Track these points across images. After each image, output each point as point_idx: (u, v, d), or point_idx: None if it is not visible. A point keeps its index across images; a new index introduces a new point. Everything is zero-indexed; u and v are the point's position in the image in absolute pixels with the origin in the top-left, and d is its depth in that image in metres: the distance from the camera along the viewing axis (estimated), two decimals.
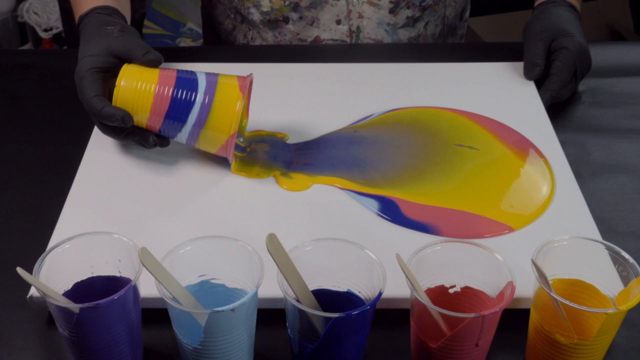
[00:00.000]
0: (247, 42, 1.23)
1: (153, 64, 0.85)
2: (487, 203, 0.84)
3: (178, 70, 0.85)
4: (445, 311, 0.62)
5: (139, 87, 0.83)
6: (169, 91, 0.83)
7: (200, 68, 0.91)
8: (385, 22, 1.18)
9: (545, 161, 0.91)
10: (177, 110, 0.83)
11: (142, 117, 0.84)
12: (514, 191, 0.86)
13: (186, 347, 0.65)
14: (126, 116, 0.82)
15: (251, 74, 0.87)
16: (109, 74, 0.86)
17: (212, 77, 0.85)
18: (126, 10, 1.00)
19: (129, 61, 0.86)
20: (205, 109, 0.83)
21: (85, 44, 0.89)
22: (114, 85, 0.84)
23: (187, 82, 0.83)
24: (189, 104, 0.83)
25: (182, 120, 0.83)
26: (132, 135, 0.85)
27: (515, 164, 0.90)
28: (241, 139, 0.92)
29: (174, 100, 0.83)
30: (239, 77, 0.86)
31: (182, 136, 0.85)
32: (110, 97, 0.84)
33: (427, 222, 0.82)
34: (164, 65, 0.87)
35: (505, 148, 0.93)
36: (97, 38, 0.88)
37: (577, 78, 1.03)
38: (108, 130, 0.86)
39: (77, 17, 0.95)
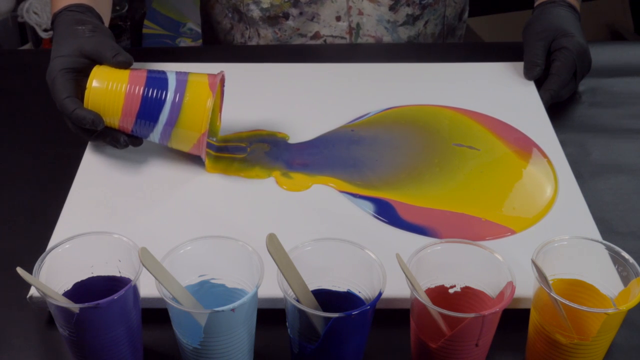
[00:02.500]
0: (245, 41, 1.23)
1: (123, 65, 0.85)
2: (488, 205, 0.84)
3: (148, 70, 0.85)
4: (445, 311, 0.62)
5: (109, 88, 0.83)
6: (139, 91, 0.83)
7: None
8: (385, 20, 1.18)
9: (549, 161, 0.90)
10: (148, 110, 0.83)
11: (114, 118, 0.84)
12: (516, 193, 0.86)
13: (186, 347, 0.65)
14: (97, 119, 0.82)
15: (222, 71, 0.87)
16: (81, 74, 0.86)
17: (182, 76, 0.85)
18: (103, 8, 0.99)
19: (100, 62, 0.86)
20: (176, 108, 0.83)
21: (57, 44, 0.88)
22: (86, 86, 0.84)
23: (157, 81, 0.84)
24: (160, 103, 0.83)
25: (154, 119, 0.83)
26: (103, 136, 0.85)
27: (517, 165, 0.90)
28: (214, 139, 0.92)
29: (145, 99, 0.83)
30: (209, 75, 0.86)
31: (155, 136, 0.85)
32: (83, 97, 0.84)
33: (425, 225, 0.81)
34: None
35: (507, 148, 0.92)
36: (68, 38, 0.88)
37: (577, 78, 1.03)
38: (79, 131, 0.85)
39: (52, 15, 0.95)
